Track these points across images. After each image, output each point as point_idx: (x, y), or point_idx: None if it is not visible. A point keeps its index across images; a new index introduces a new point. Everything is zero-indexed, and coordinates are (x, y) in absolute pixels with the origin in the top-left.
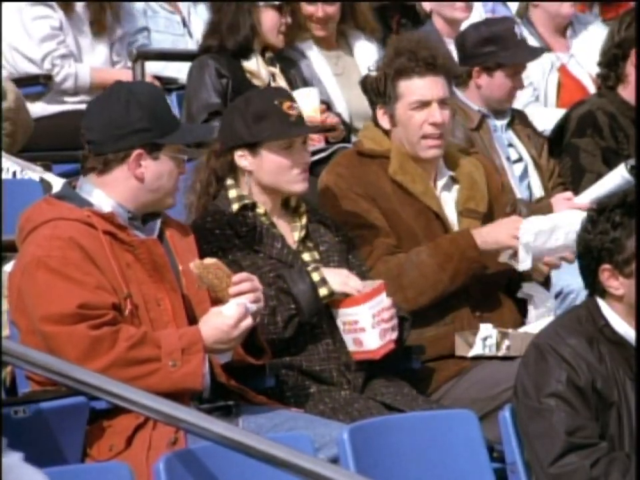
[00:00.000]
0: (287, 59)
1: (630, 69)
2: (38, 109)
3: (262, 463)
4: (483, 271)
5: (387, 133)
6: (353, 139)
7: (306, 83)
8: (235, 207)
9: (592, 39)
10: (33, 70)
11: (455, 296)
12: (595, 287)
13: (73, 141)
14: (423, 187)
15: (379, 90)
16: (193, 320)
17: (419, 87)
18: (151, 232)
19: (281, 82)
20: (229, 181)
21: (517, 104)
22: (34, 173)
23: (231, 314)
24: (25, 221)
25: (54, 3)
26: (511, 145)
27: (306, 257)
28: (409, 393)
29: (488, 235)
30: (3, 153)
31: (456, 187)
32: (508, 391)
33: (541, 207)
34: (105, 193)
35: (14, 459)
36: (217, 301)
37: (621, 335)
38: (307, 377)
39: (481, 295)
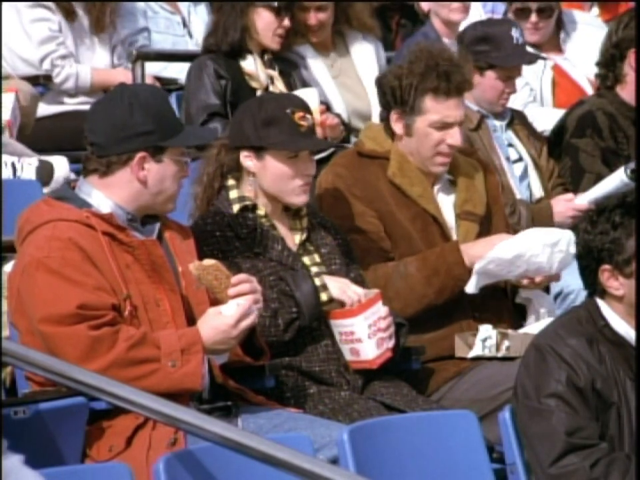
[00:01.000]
0: (286, 61)
1: (627, 69)
2: (38, 109)
3: (261, 463)
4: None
5: (390, 134)
6: (353, 139)
7: (305, 86)
8: (236, 207)
9: (586, 38)
10: (31, 72)
11: (454, 298)
12: (594, 287)
13: (73, 141)
14: (421, 189)
15: (401, 98)
16: (192, 321)
17: (445, 108)
18: (150, 233)
19: (280, 85)
20: (230, 182)
21: (515, 104)
22: (31, 157)
23: (230, 314)
24: (24, 221)
25: (53, 6)
26: (510, 145)
27: (306, 260)
28: (408, 394)
29: (475, 252)
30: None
31: (454, 190)
32: (508, 391)
33: (540, 207)
34: (105, 194)
35: (13, 461)
36: (216, 301)
37: (621, 335)
38: (306, 377)
39: (480, 297)
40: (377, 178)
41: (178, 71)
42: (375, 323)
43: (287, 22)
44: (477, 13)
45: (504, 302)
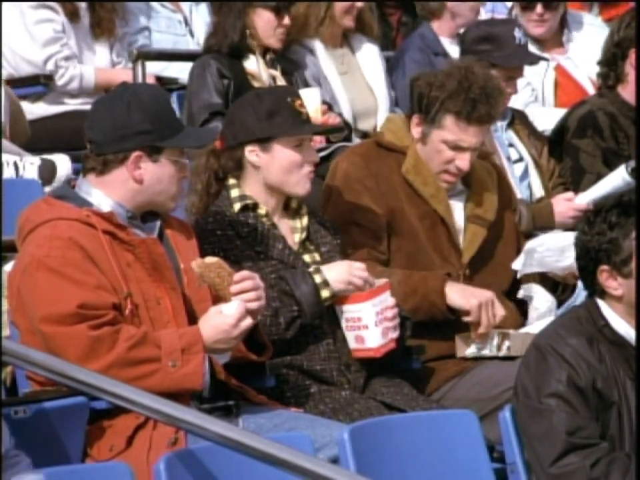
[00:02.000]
0: (288, 61)
1: (629, 68)
2: (39, 109)
3: (262, 463)
4: (446, 317)
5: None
6: (355, 139)
7: (307, 85)
8: (237, 207)
9: (589, 38)
10: (33, 71)
11: None
12: (594, 287)
13: (73, 141)
14: (434, 189)
15: (426, 106)
16: (193, 319)
17: (463, 132)
18: (151, 231)
19: (282, 84)
20: (231, 181)
21: (517, 104)
22: (33, 157)
23: (231, 313)
24: (24, 220)
25: (57, 6)
26: (511, 145)
27: (307, 258)
28: (409, 393)
29: (457, 291)
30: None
31: (466, 192)
32: (508, 391)
33: (541, 207)
34: (104, 193)
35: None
36: (219, 299)
37: (621, 335)
38: (307, 376)
39: None
40: (391, 171)
41: (179, 71)
42: (382, 312)
43: (287, 20)
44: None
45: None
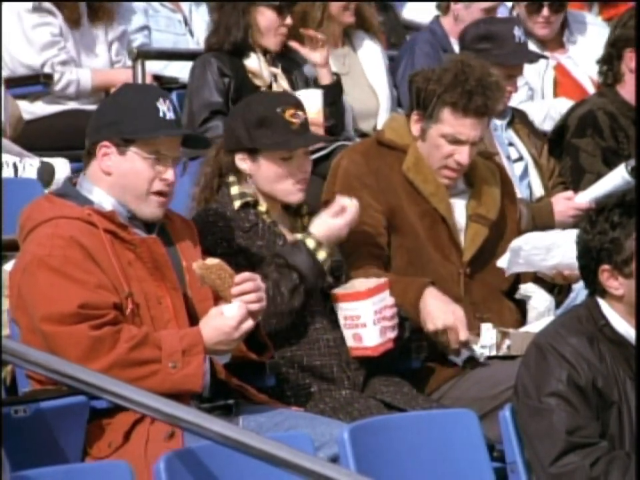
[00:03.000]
0: (289, 60)
1: (624, 68)
2: (37, 108)
3: (262, 462)
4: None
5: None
6: (356, 139)
7: (308, 84)
8: (237, 204)
9: (589, 38)
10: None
11: (455, 298)
12: (594, 286)
13: (72, 140)
14: (434, 188)
15: (423, 101)
16: (194, 318)
17: (460, 125)
18: (152, 229)
19: (283, 83)
20: (231, 178)
21: (512, 103)
22: (33, 159)
23: (232, 315)
24: (25, 219)
25: (54, 8)
26: (511, 144)
27: None
28: (409, 392)
29: (430, 307)
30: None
31: (469, 191)
32: (508, 390)
33: (541, 206)
34: (104, 191)
35: None
36: (220, 298)
37: (621, 335)
38: (307, 374)
39: (481, 297)
40: (391, 169)
41: (178, 70)
42: (380, 310)
43: (288, 20)
44: None
45: (505, 302)
